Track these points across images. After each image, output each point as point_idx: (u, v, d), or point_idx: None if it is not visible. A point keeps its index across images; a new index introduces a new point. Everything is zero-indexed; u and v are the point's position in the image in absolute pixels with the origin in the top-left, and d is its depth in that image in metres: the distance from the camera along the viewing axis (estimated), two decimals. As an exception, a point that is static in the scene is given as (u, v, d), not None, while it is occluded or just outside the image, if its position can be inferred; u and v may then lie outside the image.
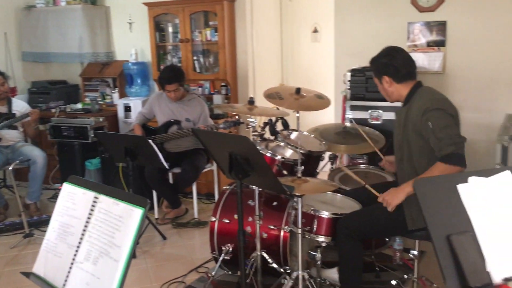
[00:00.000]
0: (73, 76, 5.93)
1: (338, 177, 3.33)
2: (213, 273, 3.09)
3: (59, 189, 1.58)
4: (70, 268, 1.42)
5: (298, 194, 2.53)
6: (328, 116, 4.66)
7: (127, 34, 5.61)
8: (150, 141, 3.53)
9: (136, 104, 5.25)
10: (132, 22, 5.56)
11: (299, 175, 2.65)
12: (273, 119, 3.18)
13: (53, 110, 5.18)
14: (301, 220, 2.61)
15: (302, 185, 2.59)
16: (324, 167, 3.57)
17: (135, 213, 1.33)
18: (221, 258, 3.01)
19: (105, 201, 1.42)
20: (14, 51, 5.73)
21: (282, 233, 2.90)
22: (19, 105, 4.59)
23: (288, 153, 3.10)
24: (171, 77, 4.09)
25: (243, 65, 5.10)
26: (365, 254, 2.93)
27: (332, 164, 3.51)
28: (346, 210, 2.69)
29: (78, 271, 1.39)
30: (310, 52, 5.90)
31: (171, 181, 4.43)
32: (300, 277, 2.64)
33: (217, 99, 5.04)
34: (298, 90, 2.79)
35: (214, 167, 4.47)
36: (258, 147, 2.50)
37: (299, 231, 2.61)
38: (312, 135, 3.40)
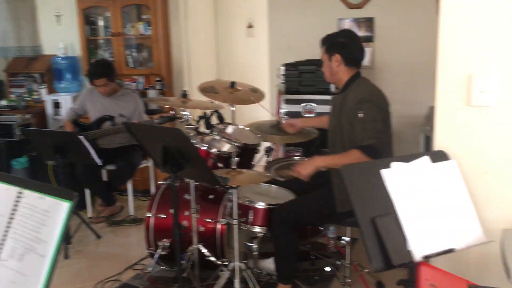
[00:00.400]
0: (-4, 71, 5.62)
1: (273, 169, 3.38)
2: (150, 269, 3.03)
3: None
4: (-6, 266, 1.36)
5: (233, 185, 2.56)
6: (264, 111, 4.71)
7: (55, 28, 5.37)
8: (81, 136, 3.42)
9: (66, 100, 5.05)
10: (60, 15, 5.33)
11: (234, 167, 2.68)
12: (208, 112, 3.18)
13: (-25, 108, 4.90)
14: (237, 211, 2.64)
15: (237, 177, 2.62)
16: (260, 161, 3.61)
17: (62, 207, 1.29)
18: (157, 254, 2.97)
19: (30, 196, 1.37)
20: None
21: (219, 226, 2.91)
22: None
23: (225, 147, 3.11)
24: (99, 72, 3.98)
25: (178, 59, 5.05)
26: (300, 243, 3.00)
27: (268, 157, 3.56)
28: (281, 201, 2.74)
29: (2, 269, 1.34)
30: (245, 47, 5.93)
31: (105, 178, 4.31)
32: (237, 268, 2.67)
33: (152, 94, 4.95)
34: (232, 84, 2.82)
35: (150, 163, 4.39)
36: (191, 140, 2.49)
37: (235, 222, 2.64)
38: (248, 128, 3.43)
